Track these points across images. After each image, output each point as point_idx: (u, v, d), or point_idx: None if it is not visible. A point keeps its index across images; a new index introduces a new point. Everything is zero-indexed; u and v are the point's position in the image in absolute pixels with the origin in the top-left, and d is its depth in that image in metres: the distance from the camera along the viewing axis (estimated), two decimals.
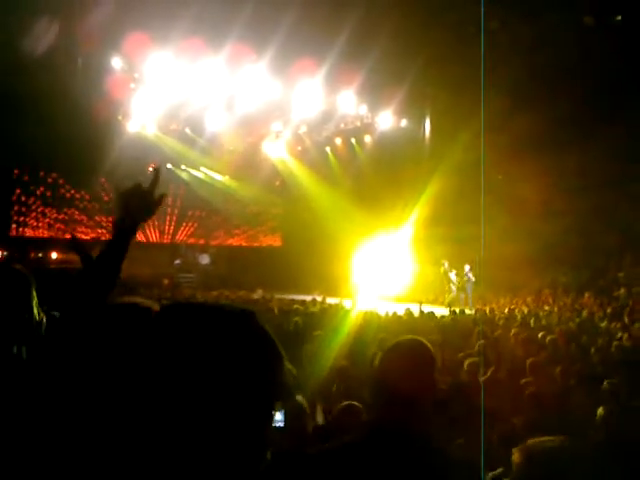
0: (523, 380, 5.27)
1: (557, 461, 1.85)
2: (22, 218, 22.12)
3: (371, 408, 2.11)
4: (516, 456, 1.94)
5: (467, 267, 17.86)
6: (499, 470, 3.00)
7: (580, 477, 1.85)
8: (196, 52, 16.09)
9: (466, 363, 5.73)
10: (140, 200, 1.82)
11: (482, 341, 6.93)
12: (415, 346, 2.03)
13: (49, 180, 22.34)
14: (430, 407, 1.96)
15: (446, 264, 18.52)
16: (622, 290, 16.24)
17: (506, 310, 14.06)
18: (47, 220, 22.63)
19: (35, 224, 22.42)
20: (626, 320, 10.59)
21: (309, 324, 9.01)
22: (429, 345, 2.04)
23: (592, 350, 7.09)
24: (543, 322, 10.13)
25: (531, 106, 16.65)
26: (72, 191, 22.93)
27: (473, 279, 17.80)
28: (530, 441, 1.95)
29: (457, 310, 13.13)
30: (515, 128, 16.66)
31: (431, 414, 1.99)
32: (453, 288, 18.35)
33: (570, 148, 16.83)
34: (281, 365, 0.99)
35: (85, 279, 1.79)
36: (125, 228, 1.83)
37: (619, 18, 14.95)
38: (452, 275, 18.41)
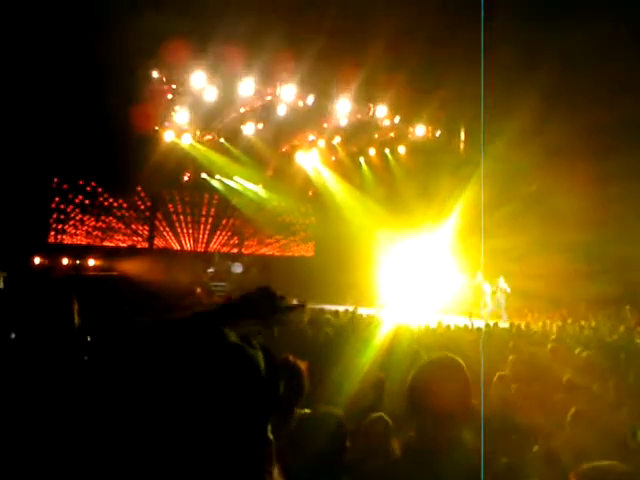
0: (558, 396, 5.17)
1: None
2: (61, 226, 22.60)
3: (406, 424, 2.09)
4: None
5: (501, 279, 17.57)
6: None
7: None
8: (232, 63, 16.30)
9: (496, 377, 5.65)
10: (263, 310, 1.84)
11: (513, 356, 6.82)
12: (447, 364, 2.00)
13: (88, 188, 22.82)
14: (463, 423, 1.94)
15: (480, 276, 18.29)
16: None
17: (541, 324, 13.82)
18: (85, 228, 23.09)
19: (73, 231, 22.89)
20: None
21: (340, 335, 8.97)
22: (461, 362, 2.01)
23: (632, 368, 6.90)
24: (581, 338, 9.92)
25: (567, 114, 16.43)
26: (110, 199, 23.38)
27: (509, 290, 17.48)
28: (585, 465, 1.90)
29: (491, 323, 12.94)
30: (550, 137, 16.44)
31: (464, 429, 1.96)
32: (487, 300, 18.11)
33: (607, 156, 16.52)
34: (257, 381, 0.98)
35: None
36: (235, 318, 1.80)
37: None
38: (486, 287, 18.16)
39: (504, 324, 13.62)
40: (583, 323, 13.46)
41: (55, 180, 21.96)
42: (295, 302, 1.91)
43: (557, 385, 5.62)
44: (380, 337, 8.23)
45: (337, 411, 2.65)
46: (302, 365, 3.19)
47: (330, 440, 2.45)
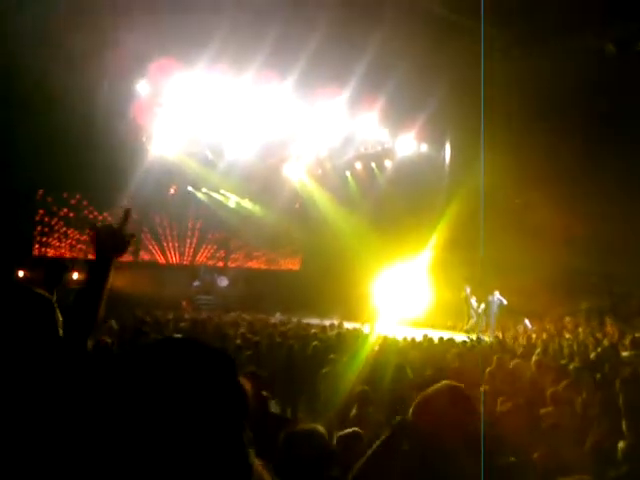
0: (543, 410, 5.18)
1: None
2: (45, 239, 22.39)
3: (407, 455, 2.03)
4: None
5: (497, 292, 17.45)
6: None
7: None
8: (219, 77, 16.34)
9: (480, 391, 5.64)
10: (110, 239, 1.97)
11: (489, 368, 6.87)
12: (451, 393, 1.95)
13: (72, 201, 22.64)
14: (463, 441, 1.91)
15: (468, 289, 18.32)
16: None
17: (525, 337, 13.90)
18: (69, 241, 22.89)
19: (57, 244, 22.68)
20: None
21: (327, 349, 8.96)
22: (464, 390, 1.96)
23: (617, 382, 6.92)
24: (565, 351, 9.97)
25: (551, 132, 16.63)
26: (95, 212, 23.21)
27: (505, 302, 17.42)
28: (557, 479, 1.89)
29: (474, 337, 12.99)
30: (535, 154, 16.62)
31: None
32: (473, 314, 18.12)
33: (591, 174, 16.72)
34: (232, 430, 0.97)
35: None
36: (98, 265, 2.00)
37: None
38: (473, 301, 18.19)
39: (489, 338, 13.68)
40: (568, 337, 13.54)
41: (39, 192, 21.78)
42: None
43: (541, 398, 5.64)
44: (366, 351, 8.23)
45: (320, 428, 2.64)
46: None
47: (314, 458, 2.43)
